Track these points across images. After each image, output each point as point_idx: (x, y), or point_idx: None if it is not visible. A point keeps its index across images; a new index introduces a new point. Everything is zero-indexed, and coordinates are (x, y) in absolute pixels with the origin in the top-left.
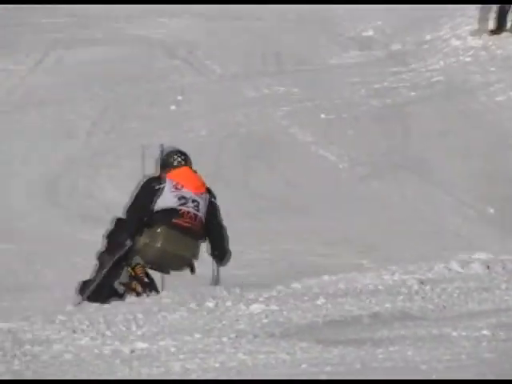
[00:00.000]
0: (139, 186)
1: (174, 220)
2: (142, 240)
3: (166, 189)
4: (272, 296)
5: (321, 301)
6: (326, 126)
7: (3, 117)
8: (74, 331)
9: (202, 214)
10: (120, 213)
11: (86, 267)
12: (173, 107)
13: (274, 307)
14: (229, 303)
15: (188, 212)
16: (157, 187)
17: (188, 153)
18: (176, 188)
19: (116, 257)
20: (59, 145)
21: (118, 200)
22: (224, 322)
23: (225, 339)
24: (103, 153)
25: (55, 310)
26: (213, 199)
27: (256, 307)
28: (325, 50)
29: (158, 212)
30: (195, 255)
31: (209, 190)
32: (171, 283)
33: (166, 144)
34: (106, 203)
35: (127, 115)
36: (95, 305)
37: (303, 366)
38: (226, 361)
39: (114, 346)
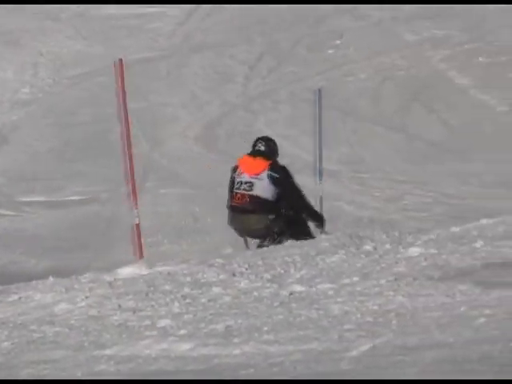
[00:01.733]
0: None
1: (231, 203)
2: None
3: (235, 176)
4: (430, 239)
5: (479, 243)
6: (484, 70)
7: (162, 61)
8: (233, 274)
9: (257, 192)
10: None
11: None
12: (330, 51)
13: (432, 250)
14: (387, 246)
15: (238, 193)
16: (233, 175)
17: (344, 97)
18: (238, 174)
19: None
20: (217, 90)
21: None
22: (383, 265)
23: (383, 282)
24: (261, 97)
25: (214, 253)
26: (276, 175)
27: (415, 250)
28: None
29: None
30: (252, 226)
31: (273, 168)
32: (328, 227)
33: (323, 89)
34: None
35: (284, 59)
36: (254, 248)
37: (462, 308)
38: (384, 303)
39: (272, 289)
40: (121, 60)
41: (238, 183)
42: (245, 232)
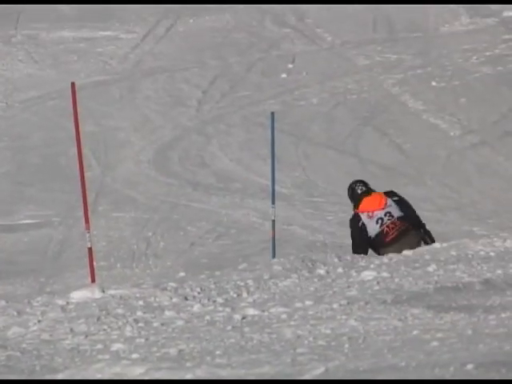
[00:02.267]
0: (350, 227)
1: (386, 240)
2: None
3: (365, 222)
4: (383, 263)
5: (432, 267)
6: (437, 94)
7: (114, 85)
8: (186, 298)
9: (398, 214)
10: (231, 183)
11: (198, 235)
12: (283, 75)
13: (385, 274)
14: (340, 270)
15: (388, 226)
16: (360, 225)
17: (297, 121)
18: (369, 217)
19: None
20: (170, 113)
21: (229, 168)
22: (335, 289)
23: (336, 306)
24: (214, 121)
25: (167, 277)
26: (395, 198)
27: (367, 274)
28: (436, 18)
29: (373, 239)
30: (416, 244)
31: (389, 195)
32: (281, 251)
33: (276, 113)
34: (217, 172)
35: (238, 83)
36: (206, 272)
37: (415, 332)
38: (337, 327)
39: (225, 313)
40: (73, 84)
41: (378, 222)
42: None
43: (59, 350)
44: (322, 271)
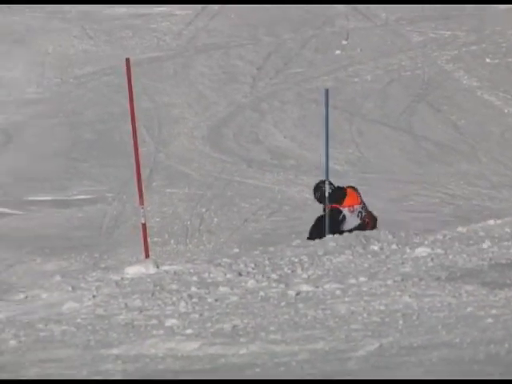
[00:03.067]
0: (330, 218)
1: (367, 229)
2: None
3: (346, 216)
4: (437, 240)
5: (486, 244)
6: (491, 71)
7: (169, 61)
8: (240, 274)
9: (366, 207)
10: (285, 159)
11: (252, 212)
12: (337, 52)
13: (439, 251)
14: (394, 246)
15: (367, 216)
16: (340, 218)
17: (351, 98)
18: (351, 211)
19: None
20: (224, 90)
21: (283, 145)
22: (389, 266)
23: (390, 282)
24: (268, 98)
25: (221, 253)
26: (358, 191)
27: (421, 250)
28: None
29: (352, 229)
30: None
31: (355, 189)
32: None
33: (330, 89)
34: (271, 148)
35: (292, 60)
36: (260, 248)
37: (469, 309)
38: (391, 303)
39: (279, 289)
40: (128, 60)
41: (358, 215)
42: None
43: (114, 325)
44: (375, 247)
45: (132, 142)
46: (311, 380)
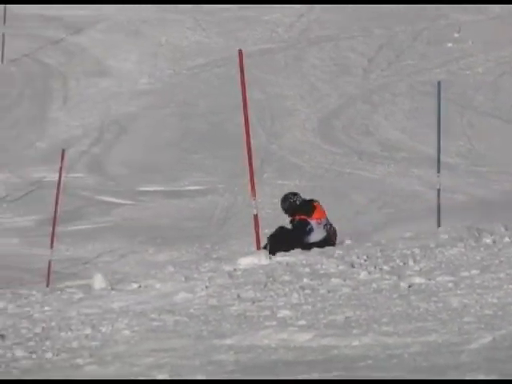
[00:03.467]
0: (296, 228)
1: (329, 243)
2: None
3: (314, 227)
4: None
5: None
6: None
7: (281, 53)
8: (352, 265)
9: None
10: (396, 152)
11: (363, 204)
12: (449, 44)
13: None
14: (507, 239)
15: (330, 230)
16: (307, 229)
17: (462, 90)
18: (318, 224)
19: None
20: (336, 82)
21: (394, 137)
22: (502, 259)
23: (502, 275)
24: (380, 90)
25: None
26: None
27: None
28: None
29: (317, 242)
30: None
31: (318, 203)
32: (446, 220)
33: (441, 82)
34: (382, 140)
35: (403, 52)
36: (372, 240)
37: None
38: (504, 296)
39: (391, 281)
40: (240, 51)
41: (325, 227)
42: None
43: (226, 315)
44: (488, 240)
45: (244, 133)
46: (311, 380)
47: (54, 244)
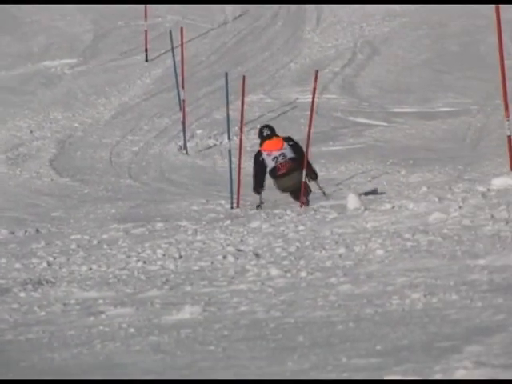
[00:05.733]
0: (254, 161)
1: (277, 173)
2: (277, 185)
3: (265, 158)
4: None
5: None
6: None
7: None
8: None
9: (290, 156)
10: None
11: None
12: None
13: None
14: None
15: (280, 163)
16: (260, 159)
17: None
18: (268, 155)
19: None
20: None
21: None
22: None
23: None
24: None
25: None
26: (291, 143)
27: None
28: None
29: (269, 172)
30: (300, 180)
31: (286, 140)
32: None
33: None
34: None
35: None
36: None
37: None
38: None
39: None
40: None
41: (274, 159)
42: (296, 188)
43: (480, 235)
44: None
45: (497, 54)
46: (311, 380)
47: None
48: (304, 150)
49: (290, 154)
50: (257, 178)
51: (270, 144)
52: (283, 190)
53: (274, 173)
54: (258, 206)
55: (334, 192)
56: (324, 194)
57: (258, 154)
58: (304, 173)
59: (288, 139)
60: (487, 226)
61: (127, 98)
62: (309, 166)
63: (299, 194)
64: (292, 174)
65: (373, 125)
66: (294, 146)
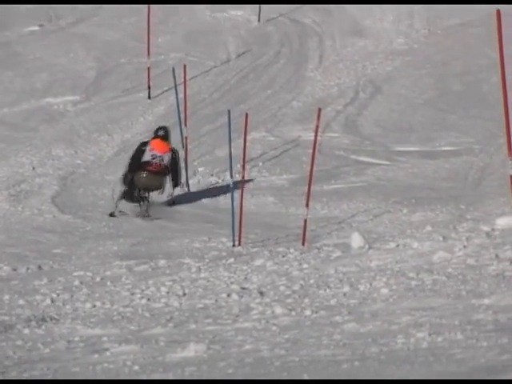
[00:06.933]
0: (136, 148)
1: (147, 168)
2: (138, 175)
3: (146, 150)
4: None
5: None
6: None
7: None
8: None
9: (166, 163)
10: None
11: None
12: None
13: None
14: None
15: (156, 162)
16: (142, 148)
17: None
18: (150, 150)
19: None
20: None
21: None
22: None
23: None
24: None
25: None
26: (173, 155)
27: None
28: None
29: (143, 162)
30: (162, 184)
31: (172, 151)
32: None
33: None
34: None
35: None
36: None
37: None
38: None
39: None
40: (498, 11)
41: (152, 156)
42: (152, 187)
43: (484, 275)
44: None
45: (501, 93)
46: (311, 380)
47: (310, 203)
48: (181, 169)
49: (167, 161)
50: (133, 160)
51: (158, 144)
52: (142, 185)
53: (143, 166)
54: (112, 214)
55: (334, 231)
56: (173, 202)
57: (144, 144)
58: (168, 178)
59: (174, 151)
60: (492, 266)
61: (130, 135)
62: (178, 173)
63: (149, 193)
64: (159, 175)
65: (375, 163)
66: (173, 160)
